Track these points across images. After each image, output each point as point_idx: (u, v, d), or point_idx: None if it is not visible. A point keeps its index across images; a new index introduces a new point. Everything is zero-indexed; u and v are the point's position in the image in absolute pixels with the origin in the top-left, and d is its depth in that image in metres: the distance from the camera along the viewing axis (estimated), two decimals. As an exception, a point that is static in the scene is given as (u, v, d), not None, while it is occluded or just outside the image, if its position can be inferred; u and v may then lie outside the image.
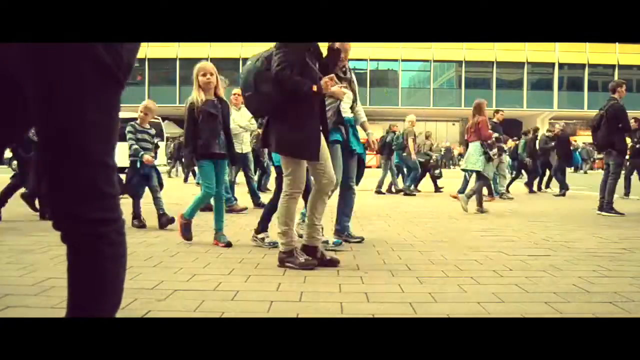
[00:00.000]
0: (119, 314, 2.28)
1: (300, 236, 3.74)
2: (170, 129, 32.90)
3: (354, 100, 4.44)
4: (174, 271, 3.14)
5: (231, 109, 7.14)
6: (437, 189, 10.96)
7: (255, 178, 8.05)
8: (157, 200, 5.25)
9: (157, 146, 5.70)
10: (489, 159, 6.91)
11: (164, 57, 33.13)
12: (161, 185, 5.44)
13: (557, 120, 37.14)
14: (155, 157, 5.36)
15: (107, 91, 1.20)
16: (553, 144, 10.91)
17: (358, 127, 4.65)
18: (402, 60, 34.60)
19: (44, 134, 1.17)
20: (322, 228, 3.59)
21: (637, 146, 9.27)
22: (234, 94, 7.17)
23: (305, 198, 3.71)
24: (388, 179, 10.51)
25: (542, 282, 2.97)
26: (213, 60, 32.22)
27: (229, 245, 4.09)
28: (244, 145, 7.34)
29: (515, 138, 12.12)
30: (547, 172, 11.39)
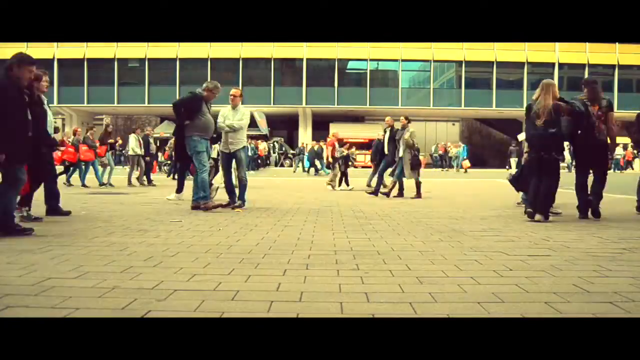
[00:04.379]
0: (119, 314, 2.28)
1: None
2: (171, 129, 32.89)
3: None
4: (174, 271, 3.14)
5: (228, 108, 7.27)
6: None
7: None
8: None
9: None
10: None
11: (164, 57, 33.11)
12: None
13: (557, 120, 37.16)
14: None
15: None
16: None
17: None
18: (402, 60, 34.59)
19: None
20: None
21: None
22: (231, 95, 7.28)
23: None
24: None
25: (542, 282, 2.97)
26: (213, 60, 32.27)
27: None
28: (231, 145, 7.28)
29: None
30: None
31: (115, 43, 32.77)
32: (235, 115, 7.27)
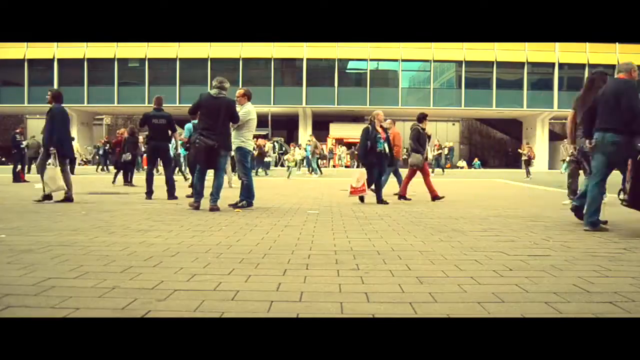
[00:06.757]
0: (119, 314, 2.28)
1: None
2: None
3: None
4: (174, 271, 3.14)
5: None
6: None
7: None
8: None
9: None
10: None
11: (164, 57, 33.11)
12: None
13: (557, 120, 37.25)
14: None
15: None
16: None
17: None
18: (402, 60, 34.59)
19: None
20: None
21: None
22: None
23: None
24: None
25: (542, 282, 2.97)
26: (213, 60, 32.25)
27: None
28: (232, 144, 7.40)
29: None
30: None
31: (115, 43, 32.75)
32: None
